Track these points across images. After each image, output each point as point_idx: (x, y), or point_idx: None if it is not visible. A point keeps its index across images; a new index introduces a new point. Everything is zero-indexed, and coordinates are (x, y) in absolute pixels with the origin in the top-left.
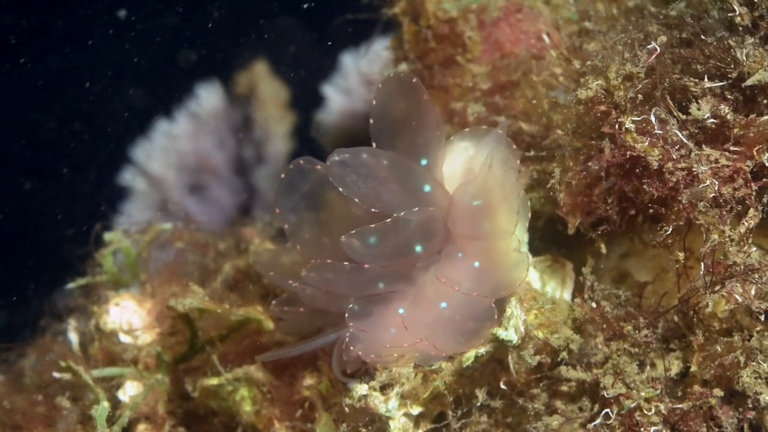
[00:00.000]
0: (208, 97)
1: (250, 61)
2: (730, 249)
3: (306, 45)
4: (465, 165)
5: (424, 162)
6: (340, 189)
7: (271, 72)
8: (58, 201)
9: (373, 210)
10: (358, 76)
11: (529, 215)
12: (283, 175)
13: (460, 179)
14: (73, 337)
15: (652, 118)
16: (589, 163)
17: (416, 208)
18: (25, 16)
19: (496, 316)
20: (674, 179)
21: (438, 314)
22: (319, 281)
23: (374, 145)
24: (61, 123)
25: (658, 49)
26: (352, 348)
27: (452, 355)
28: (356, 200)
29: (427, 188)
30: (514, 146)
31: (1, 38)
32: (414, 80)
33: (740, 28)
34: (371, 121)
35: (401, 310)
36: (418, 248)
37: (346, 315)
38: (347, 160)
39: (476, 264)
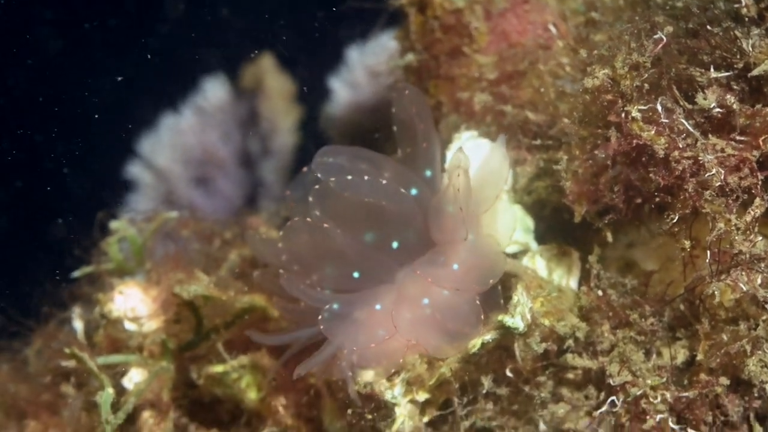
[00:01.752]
0: (214, 90)
1: (256, 55)
2: (736, 238)
3: (312, 38)
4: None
5: (428, 173)
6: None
7: (277, 65)
8: (65, 192)
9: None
10: (364, 69)
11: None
12: (305, 169)
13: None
14: (78, 324)
15: (659, 107)
16: (596, 152)
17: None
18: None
19: (481, 318)
20: (680, 168)
21: (420, 313)
22: (291, 242)
23: (399, 151)
24: (67, 115)
25: (665, 39)
26: (349, 357)
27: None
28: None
29: (414, 192)
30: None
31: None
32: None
33: (746, 19)
34: (394, 128)
35: (378, 306)
36: (395, 244)
37: (321, 318)
38: (326, 164)
39: (455, 266)
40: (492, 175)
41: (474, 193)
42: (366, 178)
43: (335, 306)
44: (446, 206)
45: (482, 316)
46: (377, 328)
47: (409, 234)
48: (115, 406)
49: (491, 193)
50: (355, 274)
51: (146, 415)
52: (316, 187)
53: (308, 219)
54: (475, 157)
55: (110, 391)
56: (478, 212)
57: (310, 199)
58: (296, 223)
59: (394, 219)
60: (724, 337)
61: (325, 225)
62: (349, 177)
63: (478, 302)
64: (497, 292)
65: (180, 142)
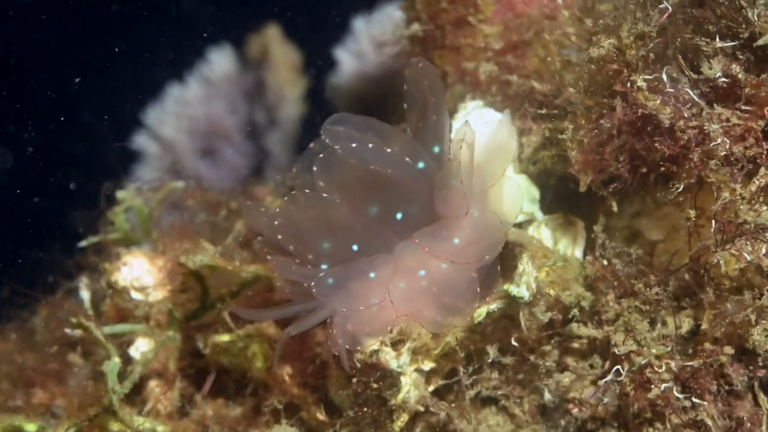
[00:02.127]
0: (220, 61)
1: (262, 25)
2: (741, 207)
3: (318, 8)
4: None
5: (436, 149)
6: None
7: (283, 36)
8: (71, 163)
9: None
10: (369, 40)
11: (535, 192)
12: (312, 144)
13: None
14: (85, 294)
15: (664, 77)
16: (601, 121)
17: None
18: None
19: (477, 294)
20: (686, 137)
21: (415, 284)
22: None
23: (408, 127)
24: (73, 87)
25: (670, 8)
26: (342, 326)
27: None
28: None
29: (421, 165)
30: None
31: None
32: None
33: None
34: (405, 105)
35: (372, 274)
36: (398, 215)
37: (315, 282)
38: (335, 131)
39: (456, 241)
40: (499, 150)
41: (481, 168)
42: (372, 146)
43: (330, 275)
44: (451, 180)
45: (478, 292)
46: (370, 295)
47: (413, 207)
48: (122, 376)
49: (498, 168)
50: (354, 247)
51: (152, 384)
52: (321, 155)
53: (307, 191)
54: (480, 127)
55: (117, 360)
56: (484, 187)
57: (314, 167)
58: (294, 197)
59: (398, 190)
60: (729, 307)
61: (327, 195)
62: (355, 144)
63: (475, 276)
64: (496, 270)
65: (186, 113)
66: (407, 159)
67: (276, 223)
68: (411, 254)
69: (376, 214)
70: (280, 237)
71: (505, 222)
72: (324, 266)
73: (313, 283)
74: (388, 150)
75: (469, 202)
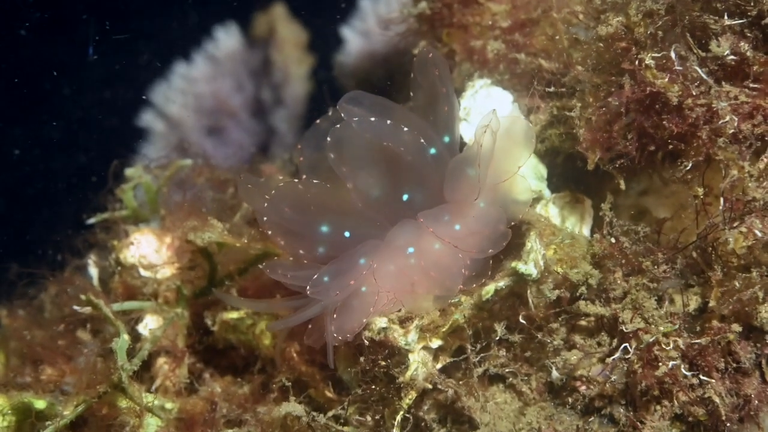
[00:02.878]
0: (226, 39)
1: (268, 3)
2: (749, 185)
3: None
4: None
5: (446, 139)
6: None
7: (289, 14)
8: (79, 141)
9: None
10: (376, 18)
11: (542, 170)
12: (319, 121)
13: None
14: (94, 271)
15: (672, 55)
16: (609, 99)
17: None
18: None
19: (459, 283)
20: (694, 115)
21: (403, 263)
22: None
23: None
24: (80, 65)
25: None
26: (335, 319)
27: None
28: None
29: (432, 151)
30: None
31: None
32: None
33: None
34: (411, 93)
35: (362, 261)
36: (405, 197)
37: (312, 287)
38: (350, 108)
39: (457, 227)
40: (515, 147)
41: (495, 163)
42: (390, 122)
43: (325, 274)
44: (466, 167)
45: (464, 274)
46: (360, 284)
47: (420, 191)
48: (131, 353)
49: (511, 166)
50: (347, 234)
51: (161, 361)
52: (337, 127)
53: (297, 182)
54: (488, 106)
55: (126, 337)
56: (495, 180)
57: (328, 139)
58: (289, 185)
59: (409, 171)
60: (737, 284)
61: (336, 169)
62: (374, 119)
63: (468, 264)
64: (488, 264)
65: (192, 91)
66: (422, 141)
67: (270, 230)
68: (401, 234)
69: (382, 193)
70: (272, 227)
71: (509, 219)
72: (321, 249)
73: (309, 287)
74: (405, 129)
75: (480, 190)
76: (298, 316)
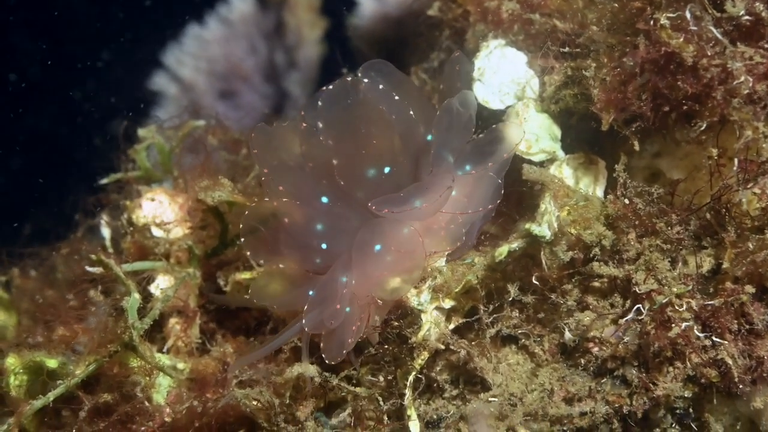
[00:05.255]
0: (240, 1)
1: None
2: (764, 146)
3: None
4: None
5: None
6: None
7: None
8: (91, 101)
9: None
10: None
11: (556, 131)
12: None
13: None
14: (106, 231)
15: (687, 15)
16: (624, 60)
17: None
18: None
19: (423, 257)
20: (709, 76)
21: (373, 259)
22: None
23: None
24: (93, 29)
25: None
26: (334, 345)
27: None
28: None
29: (429, 138)
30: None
31: None
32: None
33: None
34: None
35: (344, 279)
36: (387, 169)
37: (308, 327)
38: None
39: (405, 231)
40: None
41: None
42: (406, 103)
43: (314, 305)
44: (446, 154)
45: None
46: (344, 305)
47: (404, 177)
48: (143, 313)
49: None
50: (319, 227)
51: (173, 321)
52: (329, 87)
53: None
54: (502, 66)
55: (136, 296)
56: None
57: (319, 102)
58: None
59: (402, 154)
60: (750, 246)
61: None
62: (397, 96)
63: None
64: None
65: (204, 54)
66: (421, 129)
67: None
68: (365, 238)
69: (373, 174)
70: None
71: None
72: (319, 227)
73: (306, 327)
74: (411, 113)
75: (454, 179)
76: (277, 341)
